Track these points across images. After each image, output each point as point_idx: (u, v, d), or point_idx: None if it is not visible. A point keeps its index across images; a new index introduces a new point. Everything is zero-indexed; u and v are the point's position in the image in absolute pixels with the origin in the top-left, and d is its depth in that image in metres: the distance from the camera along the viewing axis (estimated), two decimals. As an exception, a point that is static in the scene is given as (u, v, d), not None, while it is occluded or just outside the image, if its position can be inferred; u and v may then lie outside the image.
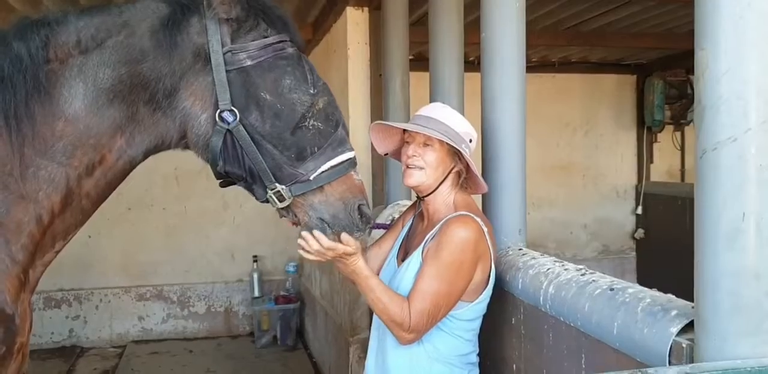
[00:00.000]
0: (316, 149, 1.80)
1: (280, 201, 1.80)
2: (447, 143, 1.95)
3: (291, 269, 6.21)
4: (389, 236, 2.24)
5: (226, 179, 1.91)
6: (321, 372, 5.26)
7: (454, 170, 2.02)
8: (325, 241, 1.81)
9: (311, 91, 1.81)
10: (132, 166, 1.88)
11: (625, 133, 6.85)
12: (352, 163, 1.86)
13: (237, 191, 1.96)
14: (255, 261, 6.24)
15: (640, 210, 6.76)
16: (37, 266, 1.86)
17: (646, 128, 6.75)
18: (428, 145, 1.99)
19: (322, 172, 1.80)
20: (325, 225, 1.83)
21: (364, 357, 3.98)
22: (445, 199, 2.04)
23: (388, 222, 3.15)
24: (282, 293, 6.11)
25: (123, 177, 1.89)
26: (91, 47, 1.74)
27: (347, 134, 1.89)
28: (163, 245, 6.21)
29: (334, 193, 1.82)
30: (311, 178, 1.79)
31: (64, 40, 1.73)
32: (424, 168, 2.00)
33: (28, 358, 1.95)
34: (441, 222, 1.97)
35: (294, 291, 6.15)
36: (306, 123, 1.79)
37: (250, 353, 5.84)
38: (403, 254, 2.09)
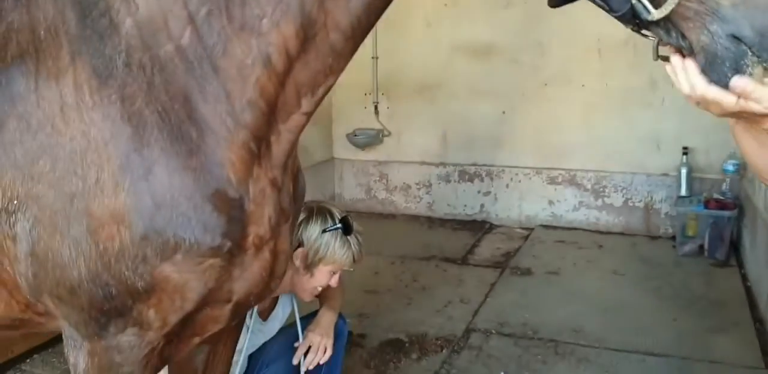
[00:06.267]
0: None
1: (656, 7, 1.09)
2: None
3: (730, 167, 5.04)
4: None
5: None
6: (755, 300, 4.27)
7: None
8: (699, 84, 1.11)
9: None
10: None
11: None
12: None
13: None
14: (684, 154, 5.23)
15: None
16: (281, 132, 1.36)
17: None
18: None
19: None
20: (743, 48, 1.06)
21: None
22: None
23: None
24: (715, 196, 5.05)
25: None
26: None
27: None
28: (579, 127, 5.60)
29: None
30: None
31: None
32: None
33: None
34: None
35: (731, 196, 5.03)
36: None
37: (669, 260, 5.05)
38: None
